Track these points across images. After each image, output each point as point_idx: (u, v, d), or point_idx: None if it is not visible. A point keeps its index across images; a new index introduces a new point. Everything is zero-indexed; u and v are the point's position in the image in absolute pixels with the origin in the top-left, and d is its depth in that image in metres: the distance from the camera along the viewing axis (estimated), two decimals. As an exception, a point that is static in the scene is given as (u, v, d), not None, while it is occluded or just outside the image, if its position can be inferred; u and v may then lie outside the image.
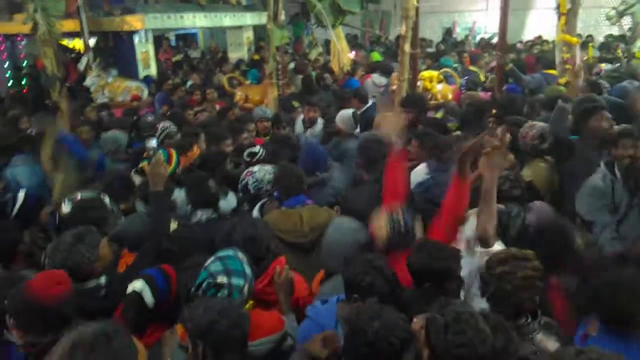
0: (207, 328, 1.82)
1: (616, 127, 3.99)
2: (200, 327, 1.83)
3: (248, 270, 2.24)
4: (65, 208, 3.34)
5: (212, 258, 2.24)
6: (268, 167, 3.81)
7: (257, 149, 4.46)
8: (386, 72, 7.96)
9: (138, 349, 1.73)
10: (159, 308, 2.30)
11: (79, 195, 3.47)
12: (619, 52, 9.23)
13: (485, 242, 2.49)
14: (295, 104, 6.79)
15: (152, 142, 4.43)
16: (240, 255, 2.27)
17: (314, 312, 2.39)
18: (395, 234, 2.65)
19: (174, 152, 4.10)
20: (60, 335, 1.74)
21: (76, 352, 1.57)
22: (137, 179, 4.14)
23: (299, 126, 5.87)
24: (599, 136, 3.83)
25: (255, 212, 3.63)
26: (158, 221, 2.87)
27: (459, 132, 4.81)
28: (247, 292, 2.21)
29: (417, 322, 1.94)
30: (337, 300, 2.37)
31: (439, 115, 5.95)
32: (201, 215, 3.57)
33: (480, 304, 2.29)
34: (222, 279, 2.14)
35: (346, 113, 5.02)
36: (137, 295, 2.28)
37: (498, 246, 2.49)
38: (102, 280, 2.54)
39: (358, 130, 5.07)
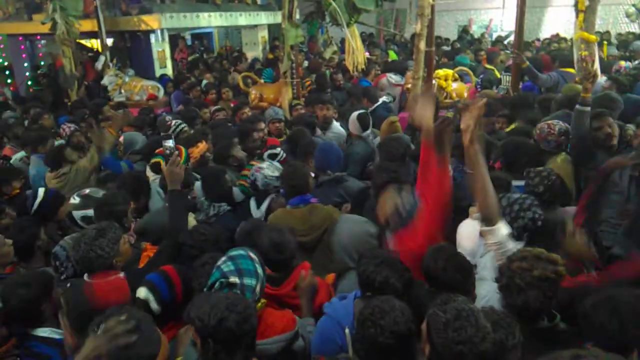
0: (216, 326, 1.80)
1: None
2: (210, 326, 1.81)
3: (260, 270, 2.24)
4: (72, 200, 3.47)
5: (223, 258, 2.24)
6: (277, 164, 3.85)
7: (277, 150, 4.48)
8: (400, 71, 7.94)
9: (162, 338, 1.78)
10: (168, 310, 2.32)
11: (87, 190, 3.61)
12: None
13: (487, 220, 2.43)
14: (295, 101, 6.74)
15: (169, 142, 4.45)
16: (252, 254, 2.27)
17: (332, 309, 2.40)
18: (396, 215, 2.70)
19: (182, 148, 4.15)
20: None
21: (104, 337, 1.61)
22: (150, 175, 4.21)
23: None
24: (601, 142, 3.80)
25: (263, 208, 3.67)
26: (175, 219, 2.90)
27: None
28: (259, 292, 2.21)
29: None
30: (354, 297, 2.40)
31: (450, 114, 5.91)
32: (219, 207, 3.66)
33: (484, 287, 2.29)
34: (234, 279, 2.14)
35: (352, 115, 4.98)
36: (144, 304, 2.30)
37: (502, 225, 2.45)
38: (121, 275, 2.59)
39: (369, 131, 4.97)
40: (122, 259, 2.67)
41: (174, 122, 5.46)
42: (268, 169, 3.73)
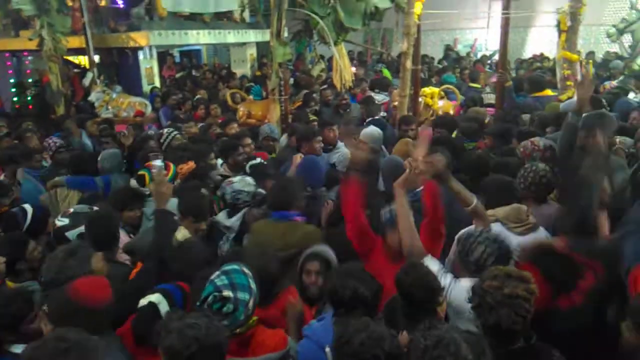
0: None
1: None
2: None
3: (253, 285, 2.24)
4: (59, 222, 3.36)
5: (217, 272, 2.24)
6: (248, 179, 3.80)
7: (258, 161, 4.44)
8: (383, 88, 8.01)
9: None
10: None
11: (70, 209, 3.52)
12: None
13: (413, 255, 2.62)
14: (312, 117, 6.70)
15: (158, 162, 4.39)
16: (246, 269, 2.27)
17: (311, 331, 2.40)
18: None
19: (171, 164, 4.13)
20: None
21: None
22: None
23: None
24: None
25: (235, 219, 3.63)
26: (160, 238, 2.87)
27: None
28: (251, 307, 2.21)
29: (404, 336, 2.03)
30: (332, 316, 2.40)
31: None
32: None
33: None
34: (227, 293, 2.14)
35: (373, 131, 4.96)
36: (152, 307, 2.28)
37: (433, 262, 2.61)
38: None
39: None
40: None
41: (165, 131, 5.42)
42: (238, 183, 3.69)
